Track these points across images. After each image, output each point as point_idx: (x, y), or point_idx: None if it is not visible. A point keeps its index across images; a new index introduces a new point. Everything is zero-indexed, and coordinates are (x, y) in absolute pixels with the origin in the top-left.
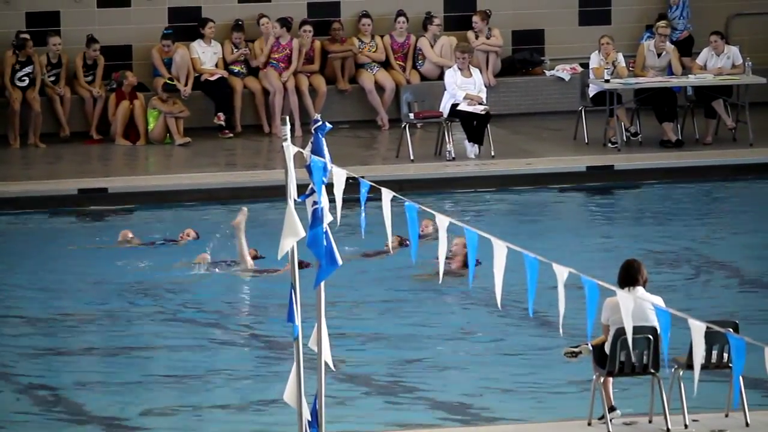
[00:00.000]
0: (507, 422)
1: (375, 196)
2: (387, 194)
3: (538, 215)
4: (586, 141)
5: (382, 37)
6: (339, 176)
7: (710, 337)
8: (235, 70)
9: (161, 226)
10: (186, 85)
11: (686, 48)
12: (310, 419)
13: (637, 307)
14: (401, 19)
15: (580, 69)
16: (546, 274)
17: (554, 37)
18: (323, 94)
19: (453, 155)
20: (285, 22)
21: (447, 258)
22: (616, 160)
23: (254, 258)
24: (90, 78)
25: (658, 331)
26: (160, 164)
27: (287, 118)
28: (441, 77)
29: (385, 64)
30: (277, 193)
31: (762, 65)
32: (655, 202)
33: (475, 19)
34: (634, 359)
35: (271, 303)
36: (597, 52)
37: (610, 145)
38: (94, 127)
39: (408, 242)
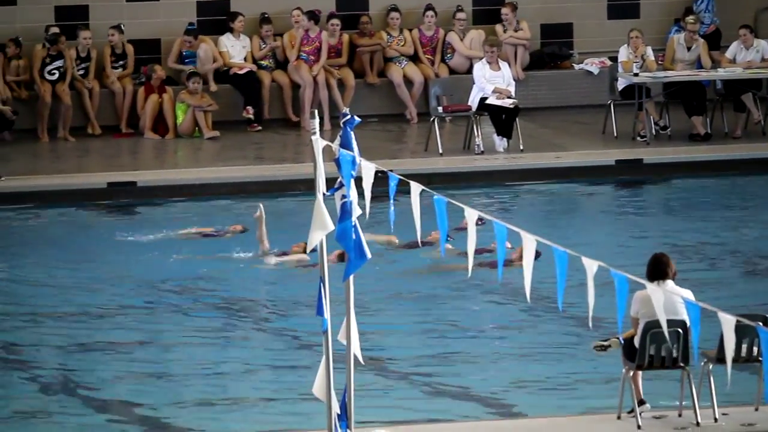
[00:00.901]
0: (536, 416)
1: (404, 189)
2: (416, 188)
3: (566, 209)
4: (615, 135)
5: (410, 30)
6: (368, 170)
7: (740, 331)
8: (264, 64)
9: (194, 219)
10: (210, 80)
11: (713, 41)
12: (339, 412)
13: (666, 300)
14: (430, 12)
15: (608, 62)
16: (575, 267)
17: (583, 30)
18: (352, 87)
19: (482, 149)
20: (313, 15)
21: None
22: (645, 154)
23: (304, 251)
24: (118, 69)
25: (688, 325)
26: (188, 158)
27: (316, 111)
28: (470, 71)
29: (414, 58)
30: (306, 186)
31: None
32: (684, 195)
33: (505, 10)
34: (663, 353)
35: (301, 296)
36: (626, 45)
37: (639, 138)
38: (124, 120)
39: (451, 237)
